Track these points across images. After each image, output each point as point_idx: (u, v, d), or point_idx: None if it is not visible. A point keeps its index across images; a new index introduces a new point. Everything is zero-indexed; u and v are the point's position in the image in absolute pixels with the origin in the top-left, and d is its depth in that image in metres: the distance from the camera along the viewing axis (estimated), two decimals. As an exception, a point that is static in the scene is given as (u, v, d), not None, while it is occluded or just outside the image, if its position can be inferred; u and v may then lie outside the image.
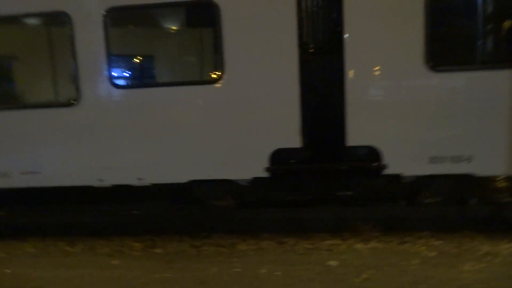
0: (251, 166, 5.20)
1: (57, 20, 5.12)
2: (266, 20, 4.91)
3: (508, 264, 4.38)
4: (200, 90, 5.20)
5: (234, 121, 5.14)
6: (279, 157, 5.17)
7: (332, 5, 5.12)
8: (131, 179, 5.42)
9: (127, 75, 5.84)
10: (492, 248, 4.77)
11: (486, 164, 4.91)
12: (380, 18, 4.83)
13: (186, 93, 5.20)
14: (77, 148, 5.39)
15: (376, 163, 5.06)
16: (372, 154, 5.07)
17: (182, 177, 5.36)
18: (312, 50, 5.23)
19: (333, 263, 4.58)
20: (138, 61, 5.93)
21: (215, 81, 5.08)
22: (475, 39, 4.95)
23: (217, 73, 5.08)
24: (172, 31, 6.03)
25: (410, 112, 4.94)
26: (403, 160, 5.02)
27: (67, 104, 5.29)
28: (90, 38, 5.06)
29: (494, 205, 5.48)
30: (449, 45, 5.08)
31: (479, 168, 4.93)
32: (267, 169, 5.17)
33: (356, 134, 5.00)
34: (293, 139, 5.05)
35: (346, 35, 4.86)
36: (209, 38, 5.35)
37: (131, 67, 5.88)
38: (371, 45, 4.86)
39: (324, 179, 5.41)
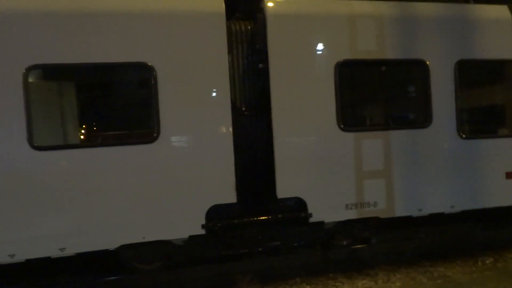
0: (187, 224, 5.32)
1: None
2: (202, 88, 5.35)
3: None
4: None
5: (173, 179, 5.26)
6: (215, 213, 5.39)
7: (260, 73, 5.76)
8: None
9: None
10: (351, 286, 5.58)
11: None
12: (300, 86, 5.62)
13: None
14: None
15: (303, 213, 5.64)
16: (299, 205, 5.65)
17: None
18: (245, 112, 5.83)
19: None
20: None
21: (151, 140, 5.20)
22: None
23: (153, 132, 5.19)
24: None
25: (327, 165, 5.66)
26: (324, 208, 5.67)
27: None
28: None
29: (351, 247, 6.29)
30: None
31: (383, 211, 5.88)
32: (203, 226, 5.34)
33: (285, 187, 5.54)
34: (229, 195, 5.37)
35: (272, 99, 5.50)
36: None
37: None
38: (294, 109, 5.57)
39: (259, 231, 5.75)
